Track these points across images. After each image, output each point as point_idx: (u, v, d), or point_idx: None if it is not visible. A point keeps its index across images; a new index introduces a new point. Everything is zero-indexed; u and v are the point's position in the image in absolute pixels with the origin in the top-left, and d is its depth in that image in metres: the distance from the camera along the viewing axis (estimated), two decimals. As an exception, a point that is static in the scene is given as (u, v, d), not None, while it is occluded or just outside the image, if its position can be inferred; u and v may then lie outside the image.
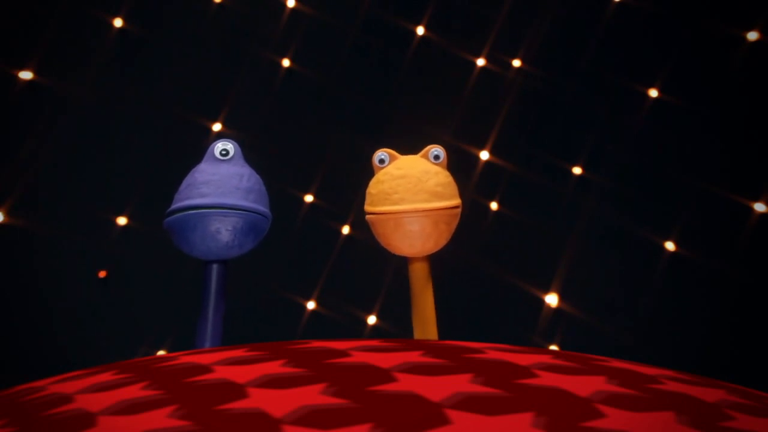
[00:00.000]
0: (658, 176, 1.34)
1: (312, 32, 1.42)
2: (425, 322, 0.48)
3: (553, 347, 1.27)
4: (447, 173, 0.49)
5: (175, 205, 0.46)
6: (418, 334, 0.48)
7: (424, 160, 0.49)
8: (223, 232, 0.45)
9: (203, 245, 0.45)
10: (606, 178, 1.35)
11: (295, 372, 0.23)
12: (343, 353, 0.26)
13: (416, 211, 0.46)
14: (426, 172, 0.47)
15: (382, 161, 0.50)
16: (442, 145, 0.50)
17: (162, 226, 0.47)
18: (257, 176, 0.49)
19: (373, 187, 0.49)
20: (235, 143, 0.48)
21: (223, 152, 0.48)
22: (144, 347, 1.23)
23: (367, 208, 0.49)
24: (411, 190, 0.47)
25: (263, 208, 0.47)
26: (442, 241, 0.48)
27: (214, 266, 0.47)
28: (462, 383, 0.22)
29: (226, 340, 0.43)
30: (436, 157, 0.49)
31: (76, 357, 1.22)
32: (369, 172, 0.50)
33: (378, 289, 1.30)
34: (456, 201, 0.48)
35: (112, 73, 1.37)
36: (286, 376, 0.23)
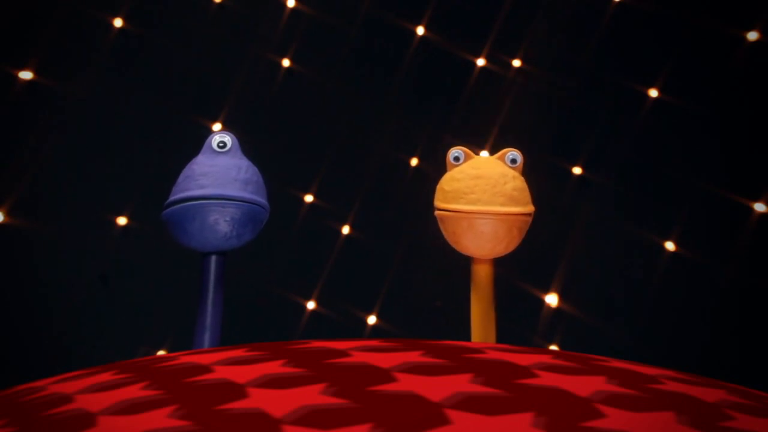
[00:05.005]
0: (658, 176, 1.34)
1: (312, 32, 1.42)
2: (486, 324, 0.47)
3: (553, 347, 1.27)
4: (522, 178, 0.48)
5: (173, 197, 0.46)
6: (476, 336, 0.48)
7: (501, 163, 0.48)
8: (221, 222, 0.46)
9: (201, 236, 0.46)
10: (606, 178, 1.35)
11: (295, 372, 0.23)
12: (343, 353, 0.26)
13: (492, 213, 0.46)
14: (504, 176, 0.47)
15: (457, 159, 0.49)
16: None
17: (161, 218, 0.47)
18: (255, 168, 0.49)
19: (447, 184, 0.48)
20: (233, 135, 0.49)
21: (221, 144, 0.48)
22: (144, 347, 1.23)
23: (439, 204, 0.48)
24: (488, 192, 0.46)
25: (261, 200, 0.48)
26: (512, 246, 0.48)
27: (213, 258, 0.47)
28: (462, 383, 0.22)
29: (226, 340, 0.43)
30: (513, 161, 0.49)
31: (76, 357, 1.22)
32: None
33: (378, 289, 1.30)
34: (531, 207, 0.48)
35: (112, 73, 1.37)
36: (286, 376, 0.23)
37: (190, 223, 0.45)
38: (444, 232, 0.48)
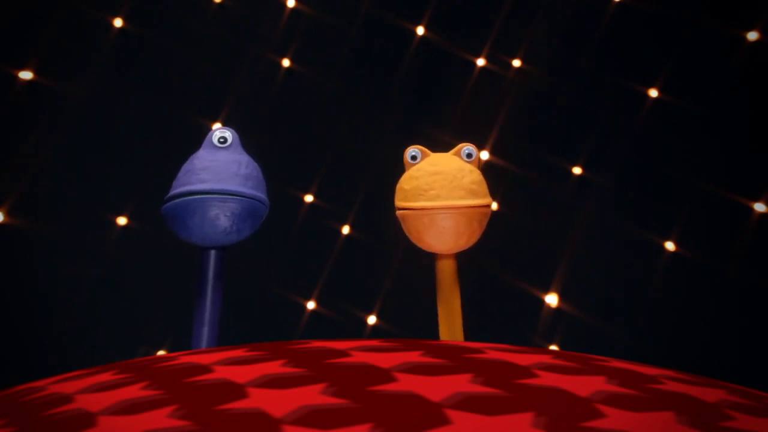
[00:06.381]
0: (658, 176, 1.34)
1: (312, 32, 1.42)
2: (452, 320, 0.48)
3: (553, 347, 1.27)
4: (479, 172, 0.49)
5: (173, 191, 0.46)
6: (444, 331, 0.48)
7: (457, 158, 0.49)
8: (221, 217, 0.46)
9: (201, 231, 0.46)
10: (606, 178, 1.35)
11: (295, 372, 0.23)
12: (343, 353, 0.26)
13: (452, 207, 0.46)
14: (461, 170, 0.48)
15: (414, 158, 0.50)
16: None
17: (161, 212, 0.47)
18: (255, 163, 0.49)
19: (407, 183, 0.49)
20: (233, 131, 0.49)
21: (222, 140, 0.48)
22: (144, 347, 1.23)
23: (399, 203, 0.49)
24: (447, 187, 0.47)
25: (262, 195, 0.48)
26: (473, 239, 0.49)
27: (212, 252, 0.47)
28: (462, 383, 0.22)
29: (226, 341, 0.43)
30: (469, 155, 0.49)
31: (76, 357, 1.22)
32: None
33: (378, 289, 1.30)
34: (489, 200, 0.48)
35: (112, 73, 1.37)
36: (286, 376, 0.23)
37: (190, 218, 0.46)
38: (406, 231, 0.49)
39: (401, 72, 1.41)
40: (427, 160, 0.49)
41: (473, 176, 0.48)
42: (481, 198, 0.48)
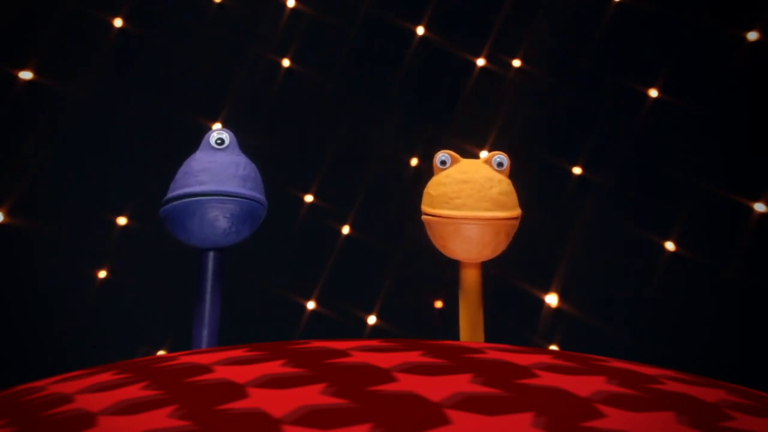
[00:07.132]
0: (658, 176, 1.34)
1: (312, 32, 1.42)
2: (474, 327, 0.47)
3: (553, 347, 1.27)
4: (509, 182, 0.48)
5: (172, 193, 0.46)
6: (465, 338, 0.48)
7: (487, 166, 0.48)
8: (221, 219, 0.46)
9: (201, 232, 0.46)
10: (606, 178, 1.35)
11: (295, 372, 0.23)
12: (343, 353, 0.26)
13: (478, 218, 0.46)
14: (489, 179, 0.47)
15: (443, 163, 0.49)
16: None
17: (159, 215, 0.47)
18: (253, 165, 0.49)
19: (434, 189, 0.48)
20: (231, 132, 0.49)
21: (219, 141, 0.48)
22: (144, 347, 1.23)
23: (426, 208, 0.48)
24: (474, 197, 0.46)
25: (260, 196, 0.48)
26: (499, 250, 0.48)
27: (211, 253, 0.47)
28: (462, 383, 0.22)
29: (226, 341, 0.43)
30: (500, 165, 0.48)
31: (76, 357, 1.22)
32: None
33: (378, 289, 1.30)
34: (517, 211, 0.47)
35: (112, 73, 1.37)
36: (286, 376, 0.23)
37: (189, 219, 0.46)
38: (431, 237, 0.48)
39: (401, 72, 1.41)
40: (456, 167, 0.48)
41: (502, 186, 0.47)
42: (509, 210, 0.47)
